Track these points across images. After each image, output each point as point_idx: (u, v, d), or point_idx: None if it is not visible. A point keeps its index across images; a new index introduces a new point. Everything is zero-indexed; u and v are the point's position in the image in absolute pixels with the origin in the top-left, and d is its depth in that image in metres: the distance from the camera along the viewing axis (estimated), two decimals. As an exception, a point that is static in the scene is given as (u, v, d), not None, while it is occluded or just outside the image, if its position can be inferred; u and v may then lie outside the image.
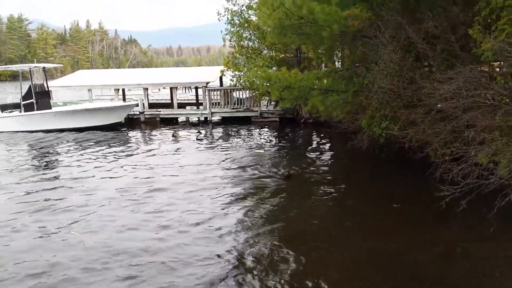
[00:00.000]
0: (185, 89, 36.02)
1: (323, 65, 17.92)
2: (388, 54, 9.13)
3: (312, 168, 12.17)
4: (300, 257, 6.85)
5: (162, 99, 29.10)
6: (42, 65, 23.88)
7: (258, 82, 13.96)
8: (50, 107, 21.66)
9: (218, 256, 6.90)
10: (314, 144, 16.51)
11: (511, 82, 7.46)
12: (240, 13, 20.34)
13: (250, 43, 20.45)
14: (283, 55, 20.34)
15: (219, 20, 20.62)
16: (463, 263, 6.64)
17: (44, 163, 14.32)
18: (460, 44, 8.78)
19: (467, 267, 6.48)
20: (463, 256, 6.86)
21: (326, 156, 14.29)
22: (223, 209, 9.07)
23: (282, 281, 6.19)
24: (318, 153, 14.68)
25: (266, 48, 20.11)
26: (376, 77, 9.86)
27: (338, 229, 8.19)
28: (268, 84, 12.49)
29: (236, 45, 20.50)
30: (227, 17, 20.39)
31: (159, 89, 38.58)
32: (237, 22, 20.37)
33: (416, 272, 6.36)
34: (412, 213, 8.63)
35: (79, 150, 16.22)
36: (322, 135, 17.64)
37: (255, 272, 6.45)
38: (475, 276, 6.24)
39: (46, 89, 22.46)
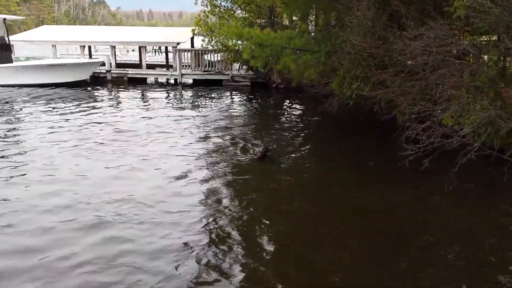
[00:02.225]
0: (155, 51, 35.11)
1: (296, 29, 17.67)
2: (362, 11, 9.00)
3: (283, 133, 12.14)
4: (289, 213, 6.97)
5: (130, 60, 28.24)
6: (2, 16, 22.64)
7: (229, 41, 13.64)
8: (11, 61, 20.66)
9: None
10: (285, 109, 16.45)
11: (479, 41, 7.49)
12: (214, -30, 19.70)
13: (223, 3, 19.91)
14: (257, 20, 19.91)
15: (192, -23, 19.91)
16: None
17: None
18: (433, 4, 8.74)
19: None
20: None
21: (296, 120, 14.25)
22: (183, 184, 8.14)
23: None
24: (289, 117, 14.66)
25: (239, 8, 19.63)
26: (349, 35, 9.74)
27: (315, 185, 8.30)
28: (240, 42, 12.18)
29: (208, 4, 19.90)
30: (201, -25, 19.73)
31: (127, 50, 37.51)
32: (211, -21, 19.74)
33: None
34: (379, 171, 8.76)
35: (36, 106, 15.71)
36: (293, 100, 17.57)
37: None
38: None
39: (7, 42, 21.33)
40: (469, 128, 7.11)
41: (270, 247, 5.84)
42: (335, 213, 7.03)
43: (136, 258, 5.43)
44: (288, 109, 16.39)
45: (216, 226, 6.35)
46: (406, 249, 5.86)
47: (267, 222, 6.60)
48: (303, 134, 12.03)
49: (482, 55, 8.15)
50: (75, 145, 10.45)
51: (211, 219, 6.54)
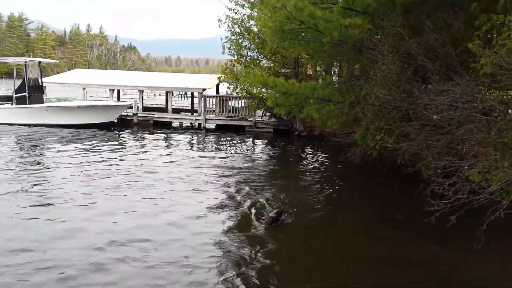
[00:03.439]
0: (181, 96, 35.99)
1: (320, 79, 17.95)
2: (387, 64, 9.10)
3: (303, 182, 12.05)
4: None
5: (157, 104, 28.97)
6: (37, 59, 23.78)
7: (254, 88, 13.90)
8: (42, 102, 21.47)
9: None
10: (307, 157, 16.39)
11: (506, 97, 7.42)
12: (240, 21, 20.40)
13: (249, 53, 20.45)
14: (281, 69, 20.35)
15: (220, 27, 20.66)
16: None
17: (28, 155, 14.18)
18: (459, 60, 8.78)
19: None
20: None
21: (318, 168, 14.13)
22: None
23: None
24: (310, 165, 14.58)
25: (265, 58, 20.12)
26: (373, 88, 9.81)
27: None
28: (264, 90, 12.40)
29: (235, 53, 20.49)
30: (228, 25, 20.44)
31: (154, 95, 38.61)
32: (238, 30, 20.42)
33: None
34: (404, 224, 8.54)
35: (64, 145, 16.16)
36: (315, 148, 17.55)
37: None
38: None
39: (40, 84, 22.26)
40: (497, 185, 6.93)
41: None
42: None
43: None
44: (310, 157, 16.33)
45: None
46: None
47: None
48: (324, 184, 11.84)
49: (510, 111, 8.06)
50: (98, 184, 10.61)
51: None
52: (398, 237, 7.99)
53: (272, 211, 8.60)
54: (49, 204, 9.12)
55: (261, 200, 9.83)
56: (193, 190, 10.59)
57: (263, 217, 8.43)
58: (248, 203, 9.63)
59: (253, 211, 9.10)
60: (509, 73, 6.73)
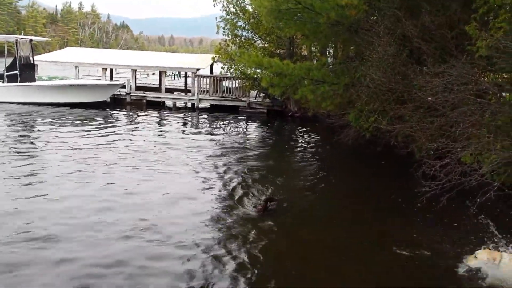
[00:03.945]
0: (175, 76, 35.71)
1: (315, 60, 17.85)
2: (383, 46, 9.07)
3: (296, 164, 12.10)
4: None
5: (150, 84, 28.73)
6: (29, 37, 23.41)
7: (249, 69, 13.81)
8: (34, 80, 21.19)
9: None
10: (300, 138, 16.43)
11: (501, 80, 7.45)
12: (236, 1, 20.13)
13: (244, 33, 20.24)
14: (276, 50, 20.17)
15: (214, 7, 20.37)
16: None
17: (19, 134, 14.11)
18: (455, 42, 8.77)
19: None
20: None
21: (311, 150, 14.18)
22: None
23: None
24: (303, 146, 14.63)
25: (259, 38, 19.94)
26: (368, 70, 9.79)
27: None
28: (259, 70, 12.33)
29: (229, 33, 20.27)
30: (223, 4, 20.17)
31: (147, 74, 38.22)
32: (233, 10, 20.16)
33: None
34: (393, 207, 8.57)
35: (55, 124, 16.10)
36: (308, 129, 17.57)
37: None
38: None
39: (32, 62, 21.97)
40: (488, 167, 7.01)
41: None
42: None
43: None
44: (303, 138, 16.36)
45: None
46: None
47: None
48: (316, 165, 11.89)
49: (504, 94, 8.10)
50: (87, 162, 10.62)
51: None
52: (390, 220, 7.90)
53: (261, 199, 8.22)
54: (41, 182, 9.10)
55: (250, 182, 9.71)
56: (185, 169, 10.58)
57: (254, 205, 8.08)
58: (239, 183, 9.58)
59: (243, 192, 8.98)
60: (504, 56, 6.74)
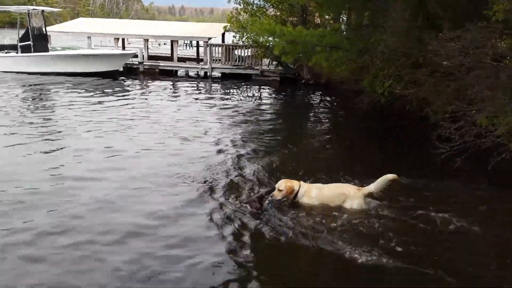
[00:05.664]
0: (186, 45, 35.60)
1: (328, 27, 17.66)
2: (397, 12, 9.00)
3: (310, 126, 12.21)
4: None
5: (162, 53, 28.74)
6: (41, 8, 23.47)
7: (261, 37, 13.76)
8: (47, 50, 21.39)
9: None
10: (314, 104, 16.48)
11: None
12: (247, -33, 19.87)
13: (256, 1, 20.05)
14: (288, 18, 19.96)
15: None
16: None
17: (33, 105, 14.38)
18: (472, 7, 8.66)
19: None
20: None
21: (325, 116, 14.24)
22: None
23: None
24: (318, 112, 14.69)
25: (271, 6, 19.74)
26: (382, 35, 9.74)
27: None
28: (271, 38, 12.30)
29: (241, 1, 20.09)
30: (234, -29, 19.92)
31: (159, 44, 38.10)
32: (244, -23, 19.92)
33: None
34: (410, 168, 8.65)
35: (70, 93, 16.49)
36: (322, 95, 17.58)
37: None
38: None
39: (44, 33, 22.09)
40: (504, 129, 7.07)
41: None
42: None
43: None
44: (317, 104, 16.41)
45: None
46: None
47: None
48: (332, 130, 12.02)
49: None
50: (104, 129, 10.92)
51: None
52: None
53: (256, 194, 6.35)
54: (58, 149, 9.16)
55: (262, 153, 9.18)
56: (198, 136, 10.49)
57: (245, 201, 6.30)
58: (250, 151, 9.33)
59: (251, 166, 8.18)
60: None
